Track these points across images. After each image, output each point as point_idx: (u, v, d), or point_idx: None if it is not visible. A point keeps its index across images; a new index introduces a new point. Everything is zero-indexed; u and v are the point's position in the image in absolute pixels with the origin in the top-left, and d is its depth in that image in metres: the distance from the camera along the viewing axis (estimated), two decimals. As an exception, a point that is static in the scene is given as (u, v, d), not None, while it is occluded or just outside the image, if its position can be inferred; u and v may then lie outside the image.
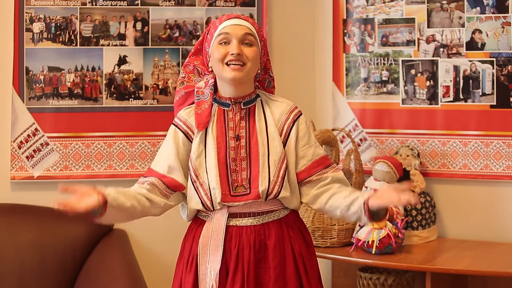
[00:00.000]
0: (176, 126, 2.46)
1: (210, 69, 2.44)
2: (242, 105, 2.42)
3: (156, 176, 2.42)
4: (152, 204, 2.40)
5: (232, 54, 2.34)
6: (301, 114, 2.45)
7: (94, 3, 3.48)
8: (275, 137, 2.40)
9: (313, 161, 2.44)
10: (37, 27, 3.44)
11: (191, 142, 2.42)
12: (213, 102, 2.43)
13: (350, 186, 2.48)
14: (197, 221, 2.45)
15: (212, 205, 2.37)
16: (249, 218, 2.39)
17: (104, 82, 3.50)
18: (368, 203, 2.34)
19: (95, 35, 3.49)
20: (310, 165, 2.43)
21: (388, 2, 3.55)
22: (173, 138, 2.44)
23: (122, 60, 3.52)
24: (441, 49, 3.45)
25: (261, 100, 2.45)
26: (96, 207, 2.22)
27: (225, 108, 2.42)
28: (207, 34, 2.44)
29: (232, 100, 2.42)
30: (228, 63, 2.35)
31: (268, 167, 2.37)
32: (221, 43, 2.37)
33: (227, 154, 2.39)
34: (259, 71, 2.44)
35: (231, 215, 2.38)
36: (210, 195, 2.36)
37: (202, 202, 2.38)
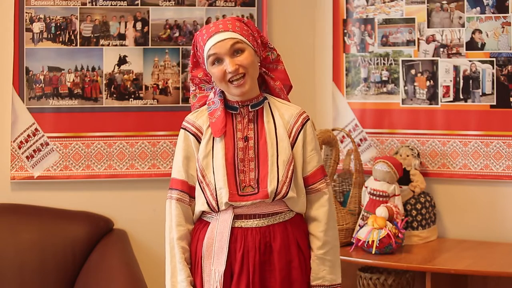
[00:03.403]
0: (185, 129, 2.45)
1: (213, 82, 2.44)
2: (250, 107, 2.43)
3: (178, 188, 2.43)
4: (191, 223, 2.45)
5: (230, 72, 2.33)
6: (309, 118, 2.46)
7: (94, 3, 3.48)
8: (284, 138, 2.40)
9: (317, 168, 2.45)
10: (37, 27, 3.44)
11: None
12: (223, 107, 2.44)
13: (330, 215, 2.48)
14: (201, 222, 2.44)
15: (218, 205, 2.37)
16: (255, 219, 2.38)
17: (104, 82, 3.50)
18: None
19: (95, 35, 3.49)
20: (315, 172, 2.44)
21: (388, 2, 3.55)
22: (184, 142, 2.44)
23: (122, 60, 3.52)
24: (441, 49, 3.45)
25: (268, 103, 2.45)
26: None
27: (233, 112, 2.43)
28: (196, 51, 2.44)
29: (240, 103, 2.42)
30: (230, 80, 2.35)
31: (277, 167, 2.37)
32: (214, 63, 2.36)
33: (235, 155, 2.39)
34: (259, 62, 2.43)
35: (236, 217, 2.38)
36: (216, 195, 2.36)
37: (207, 202, 2.38)
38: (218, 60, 2.35)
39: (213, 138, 2.41)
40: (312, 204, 2.45)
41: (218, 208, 2.37)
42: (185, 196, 2.43)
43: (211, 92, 2.48)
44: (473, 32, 3.39)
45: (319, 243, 2.43)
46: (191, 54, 2.48)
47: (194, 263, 2.42)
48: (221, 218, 2.38)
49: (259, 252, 2.36)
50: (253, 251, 2.35)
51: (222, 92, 2.44)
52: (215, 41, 2.35)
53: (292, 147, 2.42)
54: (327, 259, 2.43)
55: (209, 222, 2.41)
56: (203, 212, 2.43)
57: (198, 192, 2.41)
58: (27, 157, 3.46)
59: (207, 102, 2.46)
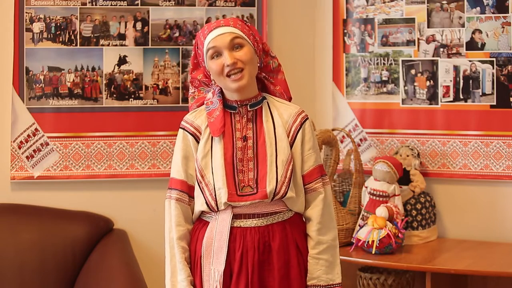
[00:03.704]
0: (184, 129, 2.45)
1: (213, 82, 2.45)
2: (248, 107, 2.43)
3: (178, 188, 2.43)
4: (190, 223, 2.46)
5: (228, 65, 2.34)
6: (307, 118, 2.46)
7: (94, 3, 3.48)
8: (283, 138, 2.40)
9: (314, 167, 2.45)
10: (37, 27, 3.44)
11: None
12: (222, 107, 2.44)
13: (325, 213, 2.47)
14: (201, 222, 2.44)
15: (217, 205, 2.37)
16: (254, 219, 2.39)
17: (104, 82, 3.50)
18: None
19: (95, 35, 3.49)
20: (311, 171, 2.44)
21: (388, 2, 3.55)
22: (183, 142, 2.44)
23: (122, 60, 3.52)
24: (441, 49, 3.45)
25: (267, 102, 2.45)
26: None
27: (232, 111, 2.43)
28: (198, 49, 2.44)
29: (239, 102, 2.42)
30: (228, 74, 2.35)
31: (276, 167, 2.37)
32: (213, 57, 2.37)
33: (234, 155, 2.39)
34: (258, 63, 2.44)
35: (235, 216, 2.38)
36: (215, 195, 2.36)
37: (206, 203, 2.38)
38: (217, 54, 2.36)
39: (212, 137, 2.41)
40: (308, 204, 2.45)
41: (217, 208, 2.37)
42: (185, 196, 2.43)
43: (209, 93, 2.48)
44: (473, 32, 3.39)
45: (312, 242, 2.43)
46: (192, 55, 2.48)
47: (193, 263, 2.42)
48: (220, 217, 2.38)
49: (258, 252, 2.36)
50: (252, 251, 2.36)
51: (221, 92, 2.44)
52: (215, 35, 2.35)
53: (291, 146, 2.42)
54: (321, 258, 2.43)
55: (208, 222, 2.41)
56: (202, 212, 2.43)
57: (197, 192, 2.41)
58: (27, 157, 3.46)
59: (205, 102, 2.46)
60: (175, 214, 2.42)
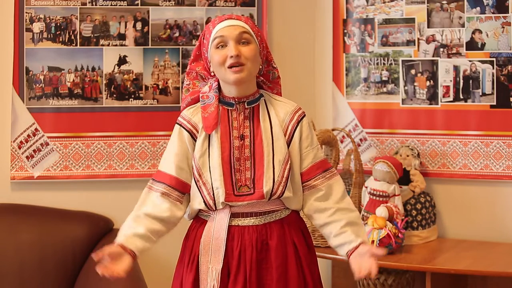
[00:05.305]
0: (180, 125, 2.44)
1: (212, 73, 2.44)
2: (246, 104, 2.42)
3: (166, 182, 2.41)
4: (168, 224, 2.41)
5: (231, 56, 2.33)
6: (304, 115, 2.46)
7: (94, 3, 3.48)
8: (280, 137, 2.40)
9: (313, 164, 2.44)
10: (37, 27, 3.44)
11: (196, 141, 2.42)
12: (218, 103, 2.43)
13: (345, 199, 2.46)
14: (199, 220, 2.45)
15: (215, 204, 2.37)
16: (251, 218, 2.39)
17: (104, 82, 3.51)
18: (350, 258, 2.38)
19: (95, 35, 3.49)
20: (311, 168, 2.44)
21: (388, 2, 3.56)
22: (178, 138, 2.43)
23: (122, 60, 3.52)
24: (441, 49, 3.46)
25: (264, 100, 2.45)
26: (131, 265, 2.31)
27: (229, 108, 2.42)
28: (203, 39, 2.43)
29: (236, 99, 2.42)
30: (230, 66, 2.34)
31: (273, 167, 2.37)
32: (218, 47, 2.36)
33: (231, 154, 2.38)
34: (261, 67, 2.44)
35: (233, 215, 2.38)
36: (213, 194, 2.36)
37: (204, 202, 2.38)
38: (222, 44, 2.35)
39: (209, 136, 2.40)
40: (306, 201, 2.45)
41: (215, 207, 2.38)
42: (173, 192, 2.40)
43: (205, 86, 2.47)
44: (473, 32, 3.39)
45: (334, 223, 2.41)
46: (196, 45, 2.47)
47: (190, 261, 2.42)
48: (218, 216, 2.38)
49: (255, 250, 2.36)
50: (250, 249, 2.36)
51: (218, 88, 2.43)
52: (225, 25, 2.36)
53: (289, 145, 2.41)
54: (345, 231, 2.40)
55: (206, 220, 2.41)
56: (200, 210, 2.44)
57: (194, 190, 2.41)
58: (27, 157, 3.46)
59: (200, 95, 2.44)
60: (152, 206, 2.38)
